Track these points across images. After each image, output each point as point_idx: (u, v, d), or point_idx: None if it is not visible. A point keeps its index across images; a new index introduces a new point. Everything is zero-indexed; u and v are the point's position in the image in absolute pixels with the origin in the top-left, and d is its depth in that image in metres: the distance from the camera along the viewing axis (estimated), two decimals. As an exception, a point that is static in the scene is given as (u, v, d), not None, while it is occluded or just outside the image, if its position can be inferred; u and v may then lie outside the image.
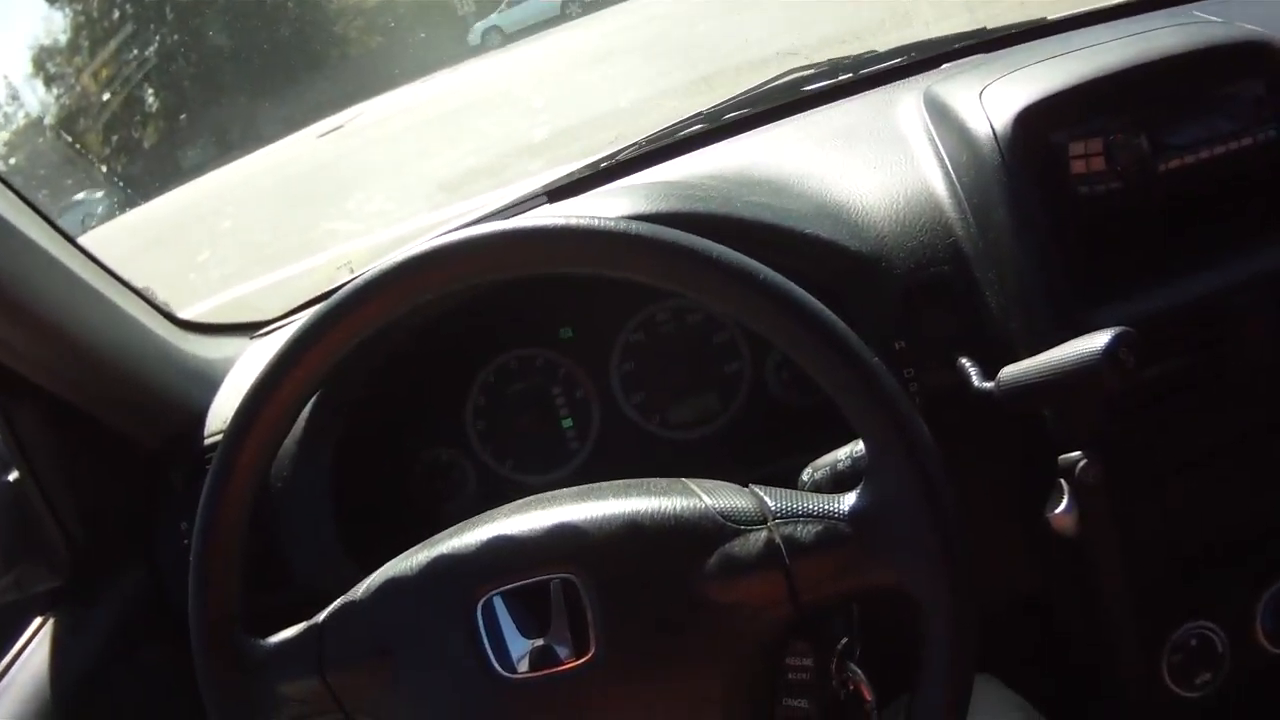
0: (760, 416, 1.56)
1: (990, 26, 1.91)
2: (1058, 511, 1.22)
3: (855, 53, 1.94)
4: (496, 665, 1.01)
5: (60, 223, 1.48)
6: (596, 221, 1.03)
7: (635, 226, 1.02)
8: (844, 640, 1.12)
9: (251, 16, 28.14)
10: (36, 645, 1.51)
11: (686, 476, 1.12)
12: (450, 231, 1.06)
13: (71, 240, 1.50)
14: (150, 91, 29.19)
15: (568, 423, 1.62)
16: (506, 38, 21.58)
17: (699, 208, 1.39)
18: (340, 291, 1.08)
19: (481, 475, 1.65)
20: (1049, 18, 1.90)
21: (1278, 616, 1.36)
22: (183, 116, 28.36)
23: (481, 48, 21.70)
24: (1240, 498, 1.40)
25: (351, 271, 1.81)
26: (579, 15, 20.31)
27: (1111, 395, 1.15)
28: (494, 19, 22.49)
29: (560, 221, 1.04)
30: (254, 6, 28.46)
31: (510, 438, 1.64)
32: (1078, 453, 1.22)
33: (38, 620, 1.55)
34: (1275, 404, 1.38)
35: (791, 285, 1.00)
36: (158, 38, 29.67)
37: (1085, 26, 1.78)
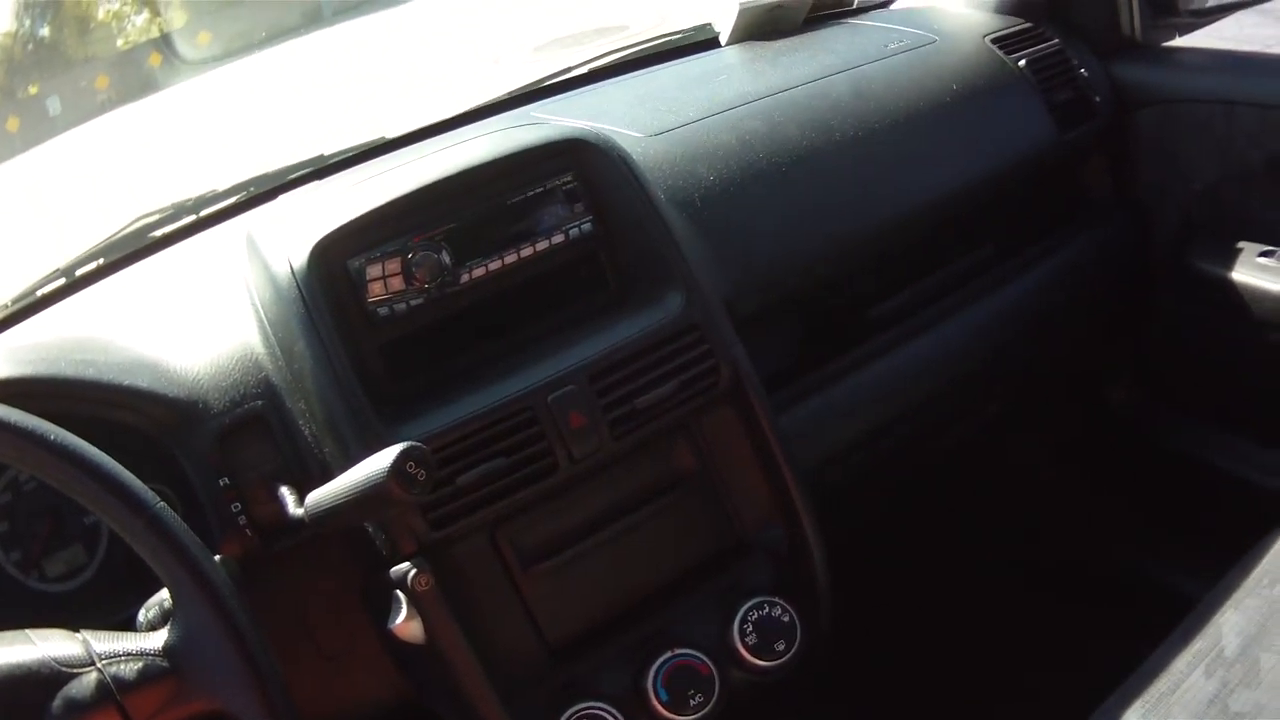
0: (123, 561, 1.53)
1: (327, 152, 1.92)
2: (397, 622, 1.27)
3: (198, 193, 1.93)
4: None
5: None
6: None
7: None
8: None
9: None
10: None
11: (67, 624, 1.15)
12: None
13: None
14: None
15: None
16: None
17: (25, 371, 1.37)
18: None
19: None
20: (386, 136, 1.93)
21: (670, 686, 1.40)
22: None
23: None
24: (601, 580, 1.45)
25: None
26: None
27: (414, 506, 1.25)
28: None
29: None
30: None
31: None
32: (407, 564, 1.28)
33: None
34: (620, 490, 1.46)
35: (76, 442, 1.07)
36: None
37: (420, 140, 1.82)
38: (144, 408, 1.37)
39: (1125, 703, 1.21)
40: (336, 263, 1.37)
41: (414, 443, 1.10)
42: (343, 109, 9.91)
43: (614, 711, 1.38)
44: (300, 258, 1.35)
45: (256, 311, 1.43)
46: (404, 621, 1.26)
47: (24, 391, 1.28)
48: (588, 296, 1.52)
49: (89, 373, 1.38)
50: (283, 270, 1.36)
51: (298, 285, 1.35)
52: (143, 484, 1.07)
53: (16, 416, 1.07)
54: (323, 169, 1.86)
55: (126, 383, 1.37)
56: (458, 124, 1.95)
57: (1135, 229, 2.19)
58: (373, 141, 1.94)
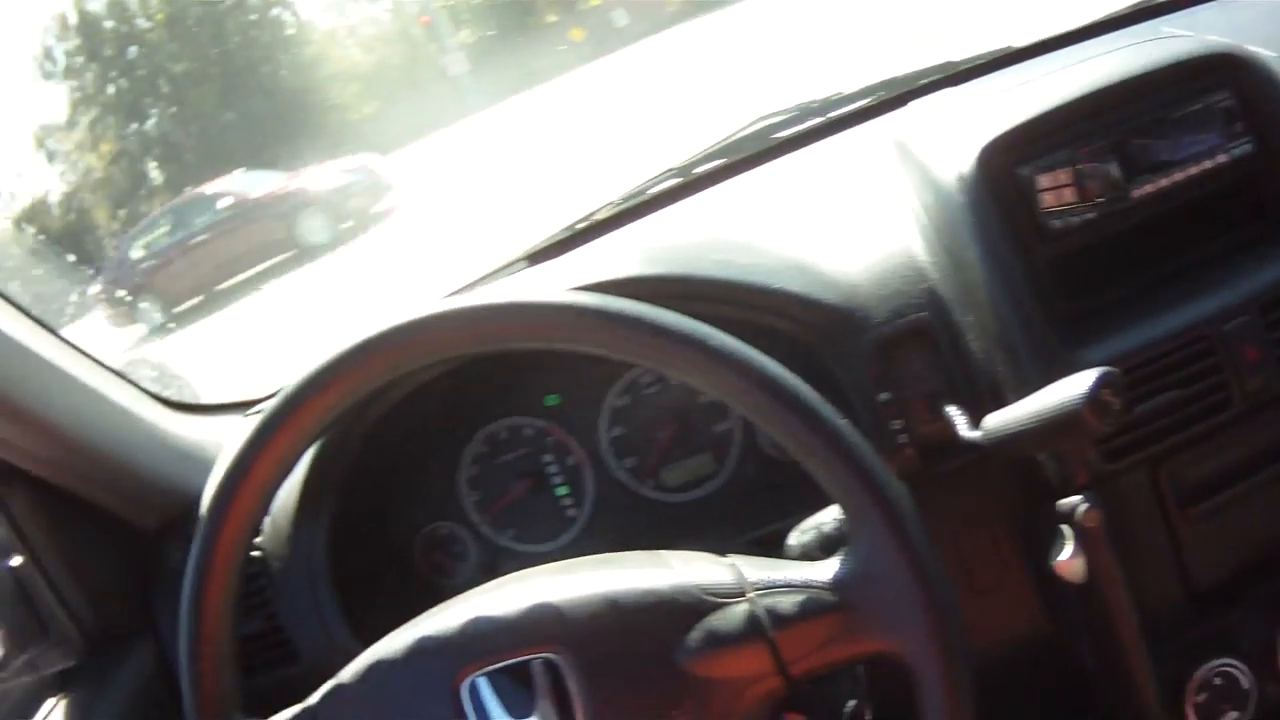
0: (754, 475, 1.52)
1: (955, 60, 1.89)
2: (1062, 559, 1.19)
3: (823, 95, 1.92)
4: None
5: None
6: (535, 297, 1.02)
7: (579, 299, 1.01)
8: (852, 704, 1.11)
9: (246, 87, 28.34)
10: None
11: (685, 538, 1.11)
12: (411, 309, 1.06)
13: (48, 327, 1.50)
14: (154, 165, 29.43)
15: (563, 490, 1.60)
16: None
17: (664, 270, 1.36)
18: (300, 375, 1.07)
19: (481, 547, 1.63)
20: (1014, 46, 1.89)
21: None
22: (187, 189, 28.77)
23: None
24: (1255, 527, 1.35)
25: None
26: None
27: (1101, 437, 1.14)
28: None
29: (499, 300, 1.03)
30: (248, 78, 28.65)
31: (507, 508, 1.62)
32: (1077, 497, 1.19)
33: (50, 701, 1.54)
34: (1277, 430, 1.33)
35: (746, 348, 0.98)
36: (155, 111, 29.91)
37: (1050, 52, 1.76)
38: (797, 313, 1.33)
39: None
40: (1005, 169, 1.30)
41: (1110, 369, 0.99)
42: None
43: (1245, 670, 1.29)
44: (968, 162, 1.29)
45: (917, 218, 1.37)
46: (1067, 559, 1.18)
47: (662, 291, 1.25)
48: (1244, 222, 1.39)
49: (731, 273, 1.34)
50: (949, 175, 1.30)
51: (967, 190, 1.28)
52: (820, 396, 0.98)
53: (671, 319, 1.00)
54: (953, 75, 1.79)
55: (776, 285, 1.33)
56: (1079, 38, 1.87)
57: None
58: (999, 50, 1.89)
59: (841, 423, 0.97)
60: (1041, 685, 1.53)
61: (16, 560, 1.54)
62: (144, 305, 17.01)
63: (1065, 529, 1.20)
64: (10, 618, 1.53)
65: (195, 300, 17.13)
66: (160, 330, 16.35)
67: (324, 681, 1.12)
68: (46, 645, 1.57)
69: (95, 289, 17.21)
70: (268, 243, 16.72)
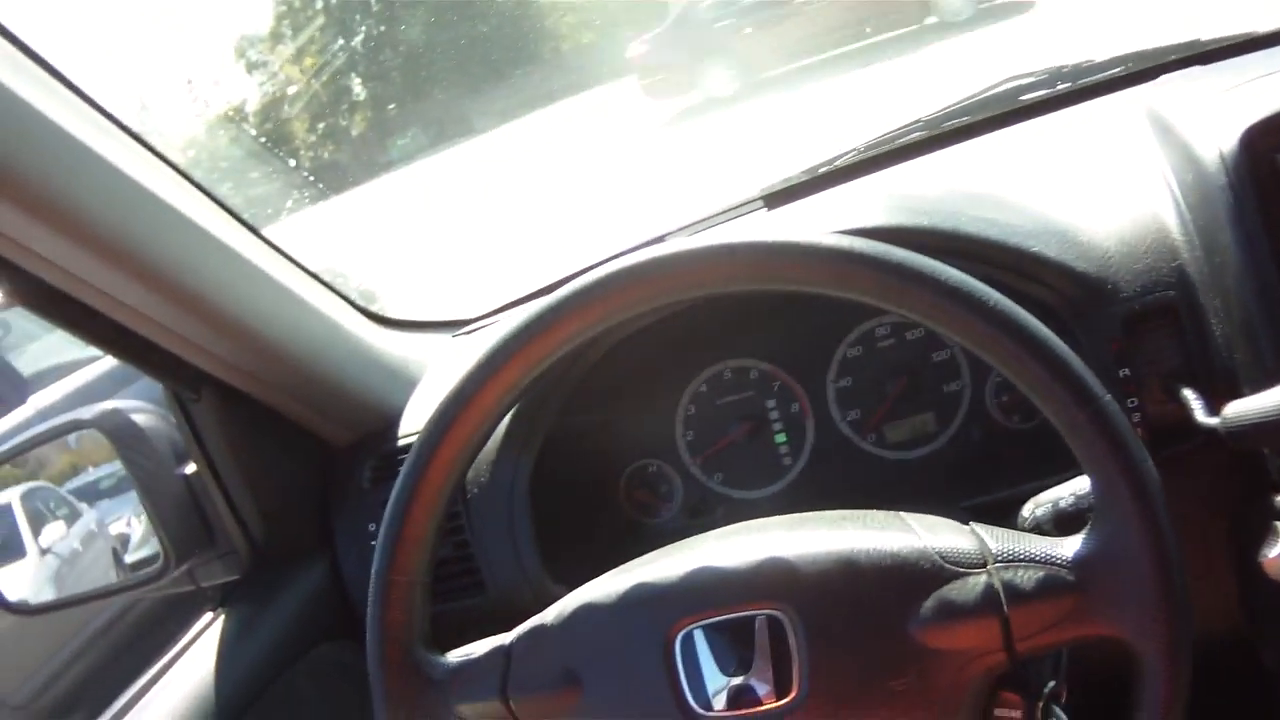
0: (978, 439, 1.51)
1: (1202, 39, 1.85)
2: (1271, 555, 1.15)
3: (1073, 61, 1.89)
4: (692, 701, 0.99)
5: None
6: (818, 238, 1.00)
7: (859, 245, 0.99)
8: (1051, 684, 1.09)
9: (460, 10, 28.38)
10: (205, 640, 1.50)
11: (900, 498, 1.10)
12: (662, 242, 1.05)
13: (258, 233, 1.48)
14: (357, 81, 29.80)
15: (781, 438, 1.59)
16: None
17: (923, 222, 1.35)
18: (544, 301, 1.06)
19: (689, 488, 1.63)
20: (1260, 31, 1.93)
21: None
22: (391, 106, 28.97)
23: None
24: None
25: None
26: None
27: None
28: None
29: (781, 238, 1.00)
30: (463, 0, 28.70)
31: (721, 450, 1.61)
32: None
33: (209, 615, 1.55)
34: None
35: (1023, 313, 0.97)
36: (363, 28, 30.11)
37: None
38: (1052, 279, 1.31)
39: None
40: (1265, 154, 1.23)
41: None
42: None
43: None
44: (1229, 142, 1.23)
45: (1172, 193, 1.33)
46: (1277, 556, 1.14)
47: (918, 242, 1.18)
48: None
49: (992, 232, 1.32)
50: (1209, 153, 1.25)
51: (1226, 171, 1.23)
52: (1089, 370, 0.97)
53: (950, 274, 0.98)
54: (1201, 54, 1.74)
55: (1035, 249, 1.31)
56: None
57: None
58: (1245, 35, 1.81)
59: (1109, 400, 0.95)
60: (1221, 682, 1.47)
61: (190, 468, 1.55)
62: (712, 69, 15.46)
63: (1278, 525, 1.17)
64: (177, 526, 1.54)
65: (782, 69, 15.24)
66: (727, 100, 14.97)
67: (508, 615, 1.13)
68: (210, 557, 1.58)
69: (638, 50, 16.29)
70: (895, 10, 14.52)
